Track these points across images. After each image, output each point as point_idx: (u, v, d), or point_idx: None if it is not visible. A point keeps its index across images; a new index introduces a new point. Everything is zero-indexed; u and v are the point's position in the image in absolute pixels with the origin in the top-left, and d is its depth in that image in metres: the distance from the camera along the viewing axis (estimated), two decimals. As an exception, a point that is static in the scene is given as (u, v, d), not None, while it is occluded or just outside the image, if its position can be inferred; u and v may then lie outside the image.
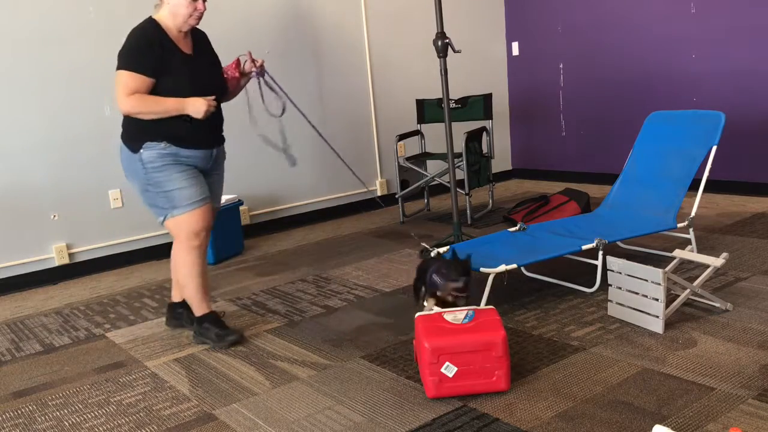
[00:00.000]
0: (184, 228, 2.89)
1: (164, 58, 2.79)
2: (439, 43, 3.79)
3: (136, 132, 2.82)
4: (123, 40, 2.81)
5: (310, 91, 5.24)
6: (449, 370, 2.29)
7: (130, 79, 2.73)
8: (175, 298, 3.26)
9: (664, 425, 1.94)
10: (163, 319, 3.43)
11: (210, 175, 3.05)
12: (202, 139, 2.91)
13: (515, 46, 6.34)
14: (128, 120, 2.84)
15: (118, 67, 2.76)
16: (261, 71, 3.16)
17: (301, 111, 3.41)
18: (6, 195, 4.15)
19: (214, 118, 2.95)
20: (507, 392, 2.34)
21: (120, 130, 2.92)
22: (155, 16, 2.87)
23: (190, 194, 2.86)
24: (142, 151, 2.81)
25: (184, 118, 2.83)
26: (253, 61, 3.12)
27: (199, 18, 2.87)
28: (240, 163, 4.98)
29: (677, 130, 3.67)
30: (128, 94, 2.74)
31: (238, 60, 3.12)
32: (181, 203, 2.85)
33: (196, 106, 2.79)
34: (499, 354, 2.27)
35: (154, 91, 2.80)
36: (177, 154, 2.85)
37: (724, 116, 3.45)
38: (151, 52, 2.76)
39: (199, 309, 3.01)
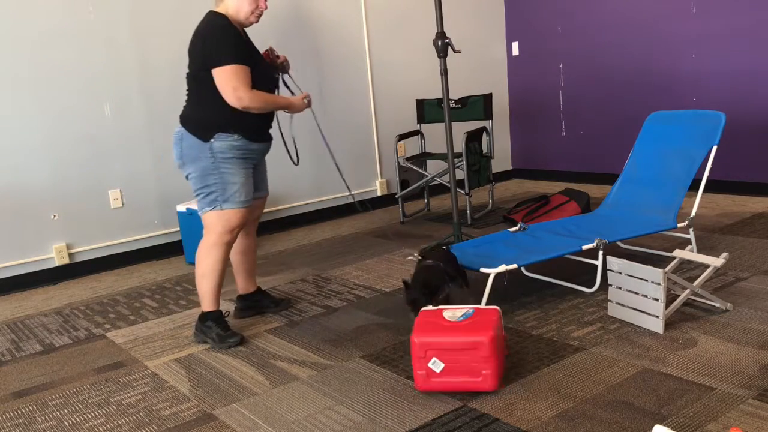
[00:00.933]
0: (225, 222, 2.95)
1: (243, 46, 2.89)
2: (439, 43, 3.79)
3: (210, 122, 2.89)
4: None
5: (310, 91, 5.24)
6: (436, 365, 2.33)
7: (242, 71, 2.81)
8: (245, 289, 3.35)
9: (664, 425, 1.94)
10: (163, 319, 3.43)
11: (261, 162, 3.21)
12: (265, 132, 3.04)
13: (515, 46, 6.34)
14: (205, 109, 2.90)
15: (223, 63, 2.79)
16: (284, 67, 3.20)
17: (312, 111, 3.42)
18: (6, 195, 4.15)
19: (272, 113, 3.07)
20: (507, 392, 2.34)
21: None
22: (220, 10, 2.92)
23: (244, 192, 2.96)
24: (213, 140, 2.88)
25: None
26: (276, 56, 3.17)
27: (259, 16, 2.96)
28: (240, 163, 4.98)
29: (677, 130, 3.67)
30: (249, 88, 2.83)
31: (270, 50, 3.14)
32: (234, 198, 2.94)
33: (298, 106, 3.03)
34: (485, 354, 2.28)
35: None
36: (245, 147, 2.95)
37: (725, 116, 3.45)
38: (242, 44, 2.87)
39: (208, 305, 3.03)
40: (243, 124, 2.91)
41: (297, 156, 3.35)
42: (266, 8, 2.98)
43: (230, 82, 2.80)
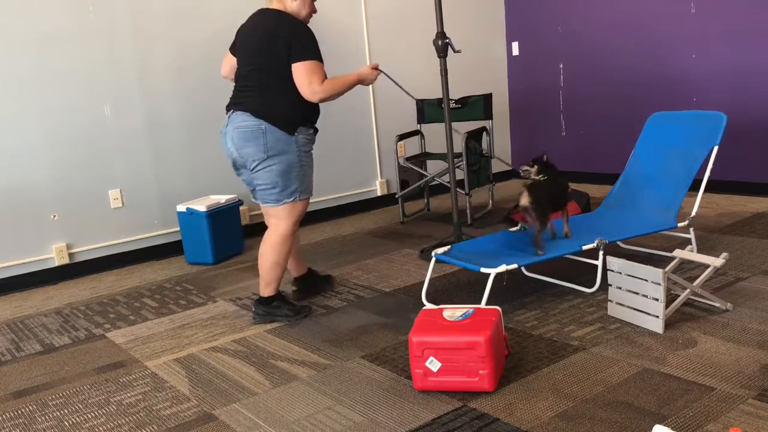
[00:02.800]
0: (297, 213, 3.18)
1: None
2: (439, 43, 3.79)
3: (293, 116, 3.05)
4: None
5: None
6: (433, 364, 2.34)
7: (319, 68, 3.01)
8: (299, 272, 3.53)
9: (664, 425, 1.94)
10: (163, 319, 3.44)
11: None
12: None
13: (515, 46, 6.34)
14: (285, 104, 3.04)
15: (305, 58, 2.98)
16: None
17: (385, 73, 3.48)
18: (6, 195, 4.15)
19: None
20: (507, 392, 2.34)
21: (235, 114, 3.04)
22: (278, 7, 3.10)
23: (312, 182, 3.22)
24: (297, 134, 3.06)
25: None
26: None
27: (311, 17, 3.21)
28: (240, 163, 4.98)
29: (679, 130, 3.67)
30: (320, 83, 3.00)
31: None
32: (308, 188, 3.19)
33: (367, 75, 3.20)
34: (482, 354, 2.28)
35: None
36: (313, 139, 3.17)
37: (726, 117, 3.45)
38: (315, 39, 3.07)
39: (273, 290, 3.22)
40: (314, 117, 3.15)
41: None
42: (317, 12, 3.23)
43: (307, 77, 2.98)
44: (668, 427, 1.98)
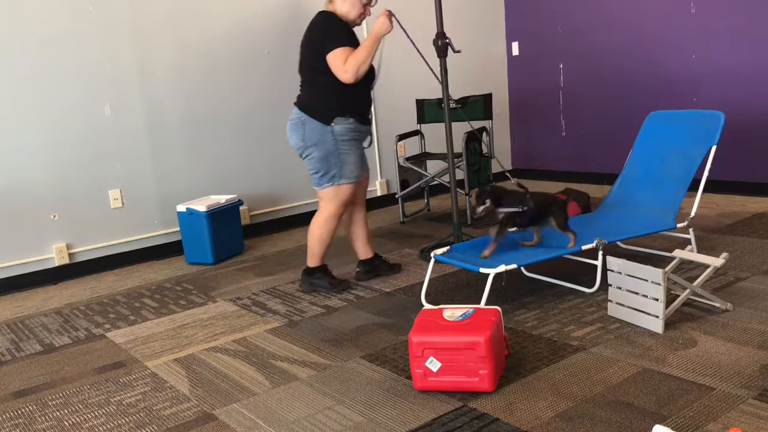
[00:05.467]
0: (342, 196, 3.44)
1: (354, 37, 3.34)
2: (439, 43, 3.79)
3: (330, 108, 3.33)
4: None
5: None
6: (433, 364, 2.34)
7: (344, 51, 3.25)
8: (365, 255, 3.74)
9: (664, 425, 1.94)
10: (163, 319, 3.44)
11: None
12: (368, 116, 3.48)
13: (515, 46, 6.34)
14: (321, 96, 3.33)
15: (332, 48, 3.24)
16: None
17: (397, 20, 3.52)
18: (6, 195, 4.15)
19: (370, 100, 3.50)
20: (507, 392, 2.34)
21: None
22: (330, 9, 3.37)
23: (357, 168, 3.44)
24: (334, 125, 3.32)
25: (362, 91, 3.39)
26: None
27: (363, 19, 3.43)
28: (240, 163, 4.98)
29: (677, 130, 3.67)
30: (343, 63, 3.23)
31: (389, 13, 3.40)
32: (349, 174, 3.41)
33: (381, 26, 3.33)
34: (481, 354, 2.28)
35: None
36: (357, 129, 3.40)
37: (724, 116, 3.45)
38: (351, 34, 3.33)
39: (316, 262, 3.57)
40: (355, 108, 3.37)
41: (371, 138, 3.65)
42: (370, 14, 3.45)
43: (336, 63, 3.24)
44: (668, 427, 1.98)
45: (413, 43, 3.76)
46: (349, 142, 3.38)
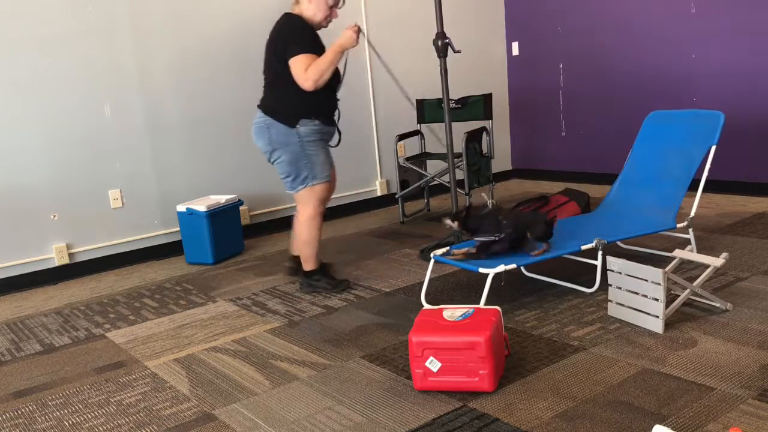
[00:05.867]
0: (317, 195, 3.45)
1: (318, 42, 3.35)
2: (439, 43, 3.78)
3: (295, 111, 3.33)
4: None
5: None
6: (433, 364, 2.34)
7: (307, 58, 3.25)
8: (298, 250, 3.70)
9: (664, 425, 1.94)
10: (163, 319, 3.44)
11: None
12: (334, 117, 3.49)
13: (515, 46, 6.34)
14: (287, 100, 3.34)
15: (295, 54, 3.24)
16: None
17: (365, 35, 3.59)
18: (6, 195, 4.15)
19: (335, 101, 3.50)
20: (507, 392, 2.34)
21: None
22: (296, 11, 3.36)
23: (326, 168, 3.45)
24: (299, 126, 3.33)
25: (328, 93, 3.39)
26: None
27: (330, 22, 3.44)
28: (240, 164, 4.98)
29: (676, 129, 3.67)
30: (305, 70, 3.23)
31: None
32: (320, 174, 3.42)
33: (346, 39, 3.34)
34: (482, 354, 2.28)
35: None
36: (322, 131, 3.41)
37: (723, 116, 3.45)
38: (315, 38, 3.34)
39: (312, 265, 3.58)
40: (319, 109, 3.37)
41: (339, 137, 3.61)
42: (338, 17, 3.46)
43: (297, 69, 3.24)
44: (668, 427, 1.98)
45: (381, 59, 3.87)
46: (315, 143, 3.38)
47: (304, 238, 3.50)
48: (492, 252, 3.07)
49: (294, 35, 3.27)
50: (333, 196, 5.47)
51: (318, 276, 3.60)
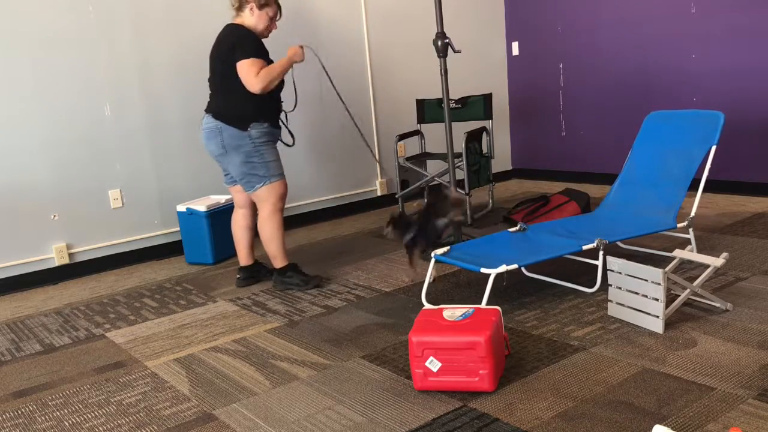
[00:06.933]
0: (276, 192, 3.59)
1: (263, 49, 3.52)
2: (439, 43, 3.79)
3: (245, 115, 3.49)
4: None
5: (310, 91, 5.24)
6: (433, 364, 2.34)
7: (256, 63, 3.42)
8: (246, 262, 3.86)
9: (664, 425, 1.94)
10: (163, 319, 3.44)
11: None
12: (279, 120, 3.67)
13: (515, 46, 6.34)
14: (236, 105, 3.48)
15: (243, 57, 3.40)
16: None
17: (319, 58, 3.99)
18: (6, 195, 4.15)
19: (280, 106, 3.68)
20: (507, 392, 2.34)
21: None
22: (238, 22, 3.54)
23: (280, 165, 3.61)
24: (250, 129, 3.49)
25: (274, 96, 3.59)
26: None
27: (270, 32, 3.64)
28: (240, 163, 4.98)
29: (676, 129, 3.67)
30: (256, 74, 3.40)
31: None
32: (275, 172, 3.58)
33: (297, 53, 3.58)
34: (482, 354, 2.28)
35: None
36: (271, 132, 3.58)
37: (723, 116, 3.45)
38: (261, 45, 3.51)
39: (281, 262, 3.69)
40: (269, 114, 3.54)
41: (292, 137, 3.89)
42: (276, 28, 3.66)
43: (246, 72, 3.39)
44: (668, 427, 1.98)
45: (329, 76, 4.04)
46: (266, 144, 3.54)
47: (267, 236, 3.62)
48: (418, 245, 3.42)
49: (241, 41, 3.43)
50: (334, 195, 5.53)
51: (291, 273, 3.70)
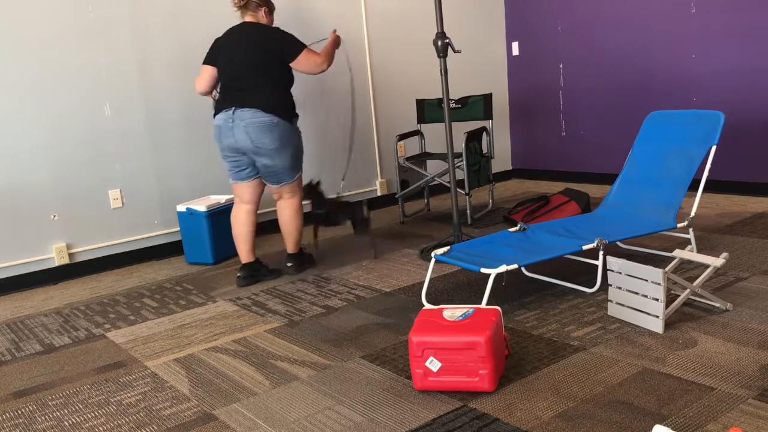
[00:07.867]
0: (301, 183, 3.87)
1: None
2: (439, 43, 3.79)
3: (291, 108, 3.68)
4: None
5: (310, 90, 5.24)
6: (433, 364, 2.34)
7: (310, 49, 3.68)
8: (248, 258, 3.90)
9: (664, 425, 1.94)
10: (163, 319, 3.44)
11: None
12: None
13: (515, 46, 6.34)
14: (285, 98, 3.65)
15: (300, 49, 3.63)
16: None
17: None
18: (6, 195, 4.15)
19: None
20: (507, 392, 2.34)
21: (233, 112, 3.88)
22: (255, 20, 3.71)
23: None
24: (294, 121, 3.71)
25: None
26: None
27: None
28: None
29: (676, 129, 3.68)
30: (317, 57, 3.67)
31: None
32: (302, 165, 3.87)
33: (338, 39, 3.86)
34: (482, 354, 2.28)
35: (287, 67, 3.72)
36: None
37: (724, 116, 3.45)
38: None
39: (297, 247, 3.96)
40: (295, 107, 3.74)
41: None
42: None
43: (311, 57, 3.65)
44: (668, 427, 1.98)
45: (351, 75, 4.37)
46: (301, 138, 3.80)
47: (297, 224, 3.87)
48: (319, 222, 4.17)
49: (286, 36, 3.63)
50: (333, 195, 5.53)
51: (303, 257, 4.02)
